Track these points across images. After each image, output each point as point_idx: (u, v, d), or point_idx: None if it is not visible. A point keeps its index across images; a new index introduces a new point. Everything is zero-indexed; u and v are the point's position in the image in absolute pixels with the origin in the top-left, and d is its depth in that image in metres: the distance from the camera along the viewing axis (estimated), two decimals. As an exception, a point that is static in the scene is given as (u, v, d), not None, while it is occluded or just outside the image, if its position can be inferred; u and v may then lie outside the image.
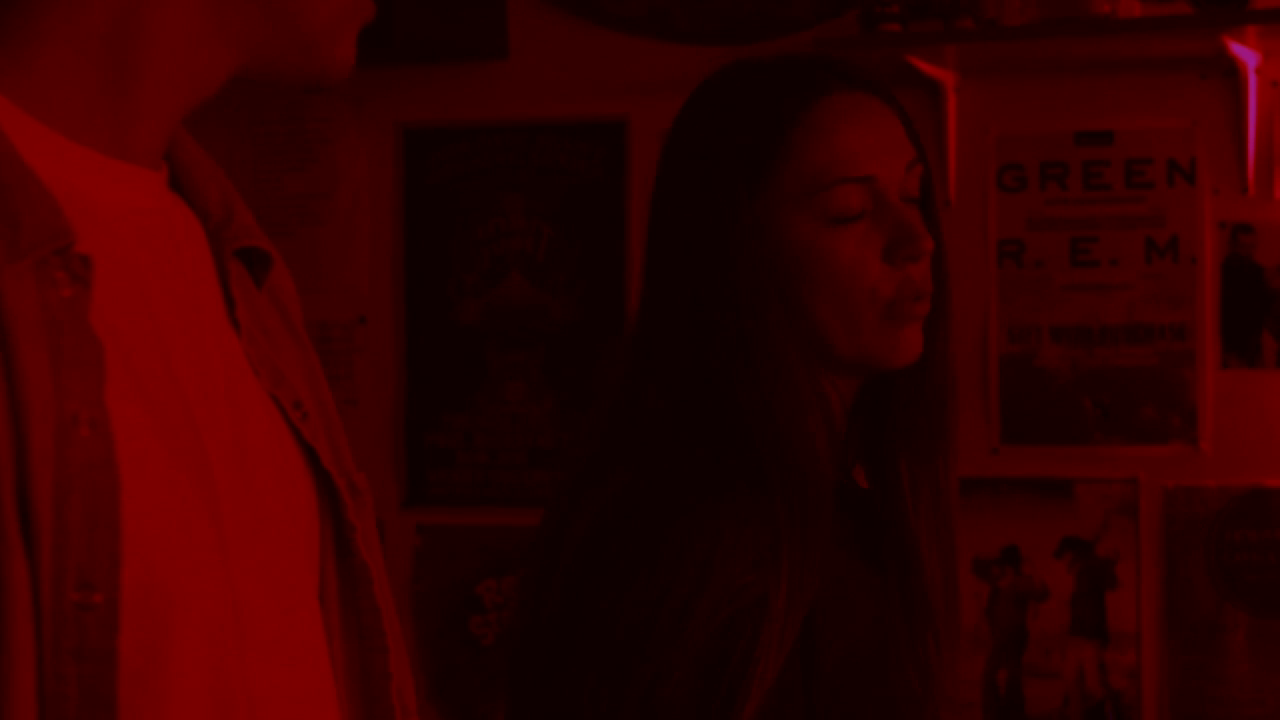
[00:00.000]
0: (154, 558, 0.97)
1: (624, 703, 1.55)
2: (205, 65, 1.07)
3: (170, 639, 0.98)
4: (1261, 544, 3.51)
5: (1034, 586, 3.62)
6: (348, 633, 1.15)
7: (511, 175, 3.91)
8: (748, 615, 1.55)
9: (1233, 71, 3.48)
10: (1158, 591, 3.57)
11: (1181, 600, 3.55)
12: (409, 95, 3.97)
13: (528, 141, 3.90)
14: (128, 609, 0.95)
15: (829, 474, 1.64)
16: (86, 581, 0.94)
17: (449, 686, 3.89)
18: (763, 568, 1.56)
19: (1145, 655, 3.57)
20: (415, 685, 1.19)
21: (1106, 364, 3.59)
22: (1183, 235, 3.56)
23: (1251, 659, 3.51)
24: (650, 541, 1.59)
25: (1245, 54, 3.42)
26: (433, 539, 3.93)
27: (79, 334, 0.95)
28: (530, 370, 3.88)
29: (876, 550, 1.73)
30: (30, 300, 0.93)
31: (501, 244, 3.91)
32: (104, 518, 0.94)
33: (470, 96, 3.94)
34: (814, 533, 1.59)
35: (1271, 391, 3.52)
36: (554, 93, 3.88)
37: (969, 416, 3.65)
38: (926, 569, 1.72)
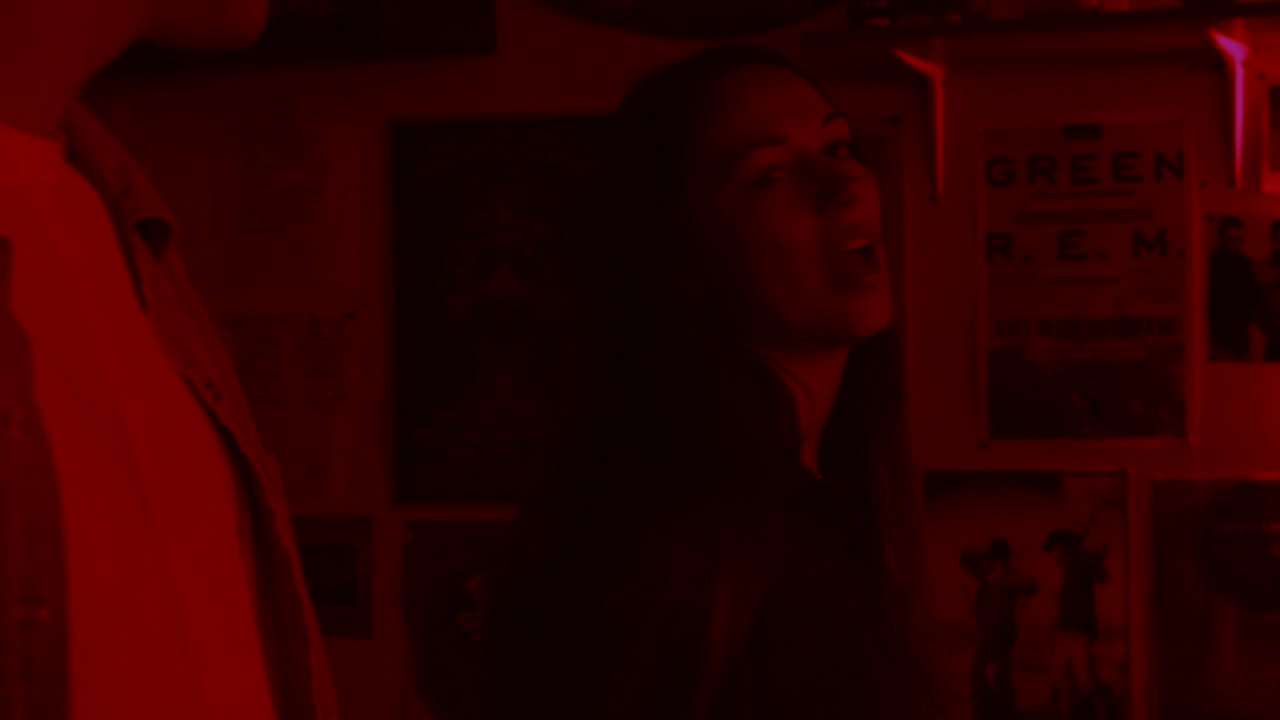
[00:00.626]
0: (98, 567, 0.89)
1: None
2: (107, 23, 0.97)
3: (121, 653, 0.91)
4: (1250, 537, 3.52)
5: (1023, 580, 3.62)
6: (265, 625, 1.07)
7: (500, 170, 3.91)
8: (692, 633, 1.53)
9: (1220, 65, 3.48)
10: (1146, 585, 3.57)
11: (1170, 593, 3.56)
12: (398, 90, 3.97)
13: (517, 136, 3.90)
14: (77, 624, 0.87)
15: (783, 478, 1.62)
16: (31, 596, 0.85)
17: (438, 681, 3.89)
18: (705, 585, 1.54)
19: (1134, 648, 3.57)
20: (326, 687, 1.12)
21: (1095, 357, 3.59)
22: (1170, 228, 3.56)
23: (1240, 651, 3.52)
24: (598, 564, 1.58)
25: (1232, 47, 3.43)
26: (422, 534, 3.93)
27: (1, 325, 0.86)
28: (520, 365, 3.88)
29: (860, 548, 1.71)
30: None
31: (491, 239, 3.91)
32: (45, 526, 0.86)
33: (459, 92, 3.94)
34: (758, 542, 1.56)
35: (1259, 384, 3.52)
36: (543, 88, 3.88)
37: (957, 411, 3.65)
38: (915, 559, 1.72)
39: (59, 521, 0.86)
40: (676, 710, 1.53)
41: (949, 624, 3.65)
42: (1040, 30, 3.42)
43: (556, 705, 1.56)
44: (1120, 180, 3.59)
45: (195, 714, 0.96)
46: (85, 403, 0.92)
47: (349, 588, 3.99)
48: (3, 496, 0.84)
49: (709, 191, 1.65)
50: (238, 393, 1.10)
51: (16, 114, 0.93)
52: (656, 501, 1.58)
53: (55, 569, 0.86)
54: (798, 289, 1.63)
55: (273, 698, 1.06)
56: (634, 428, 1.63)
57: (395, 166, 3.98)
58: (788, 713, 1.58)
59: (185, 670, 0.96)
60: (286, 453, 4.02)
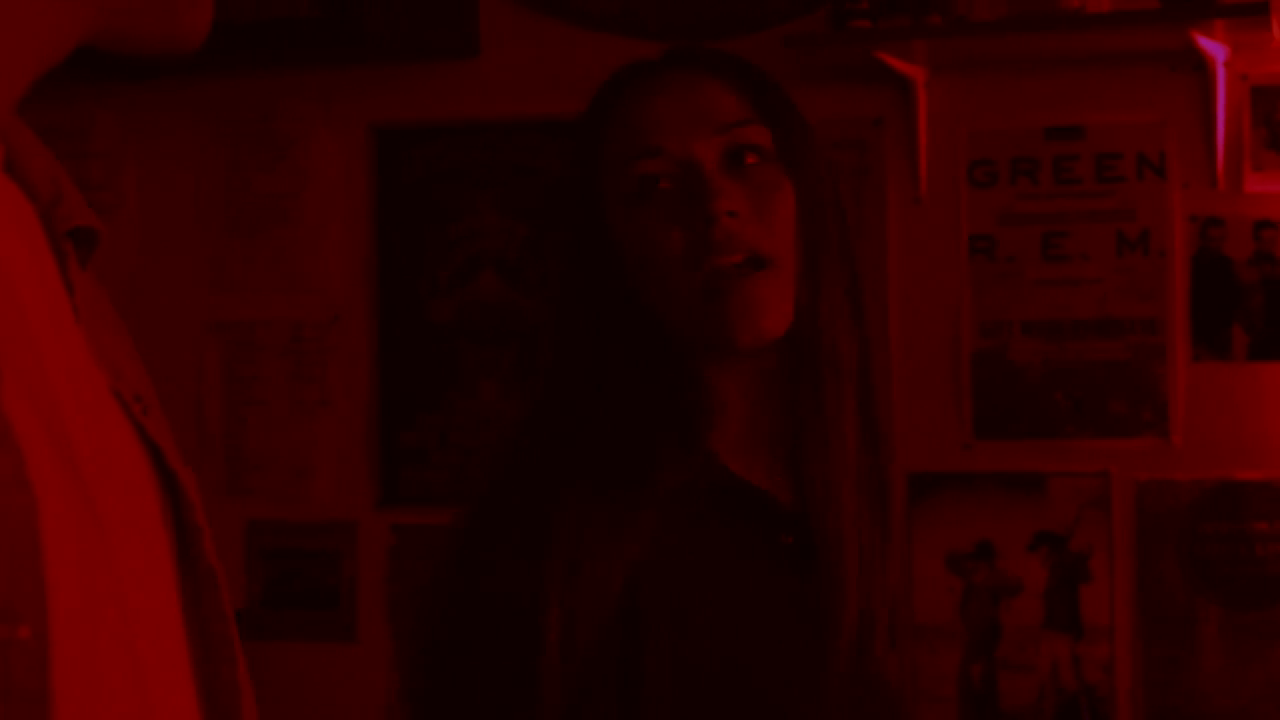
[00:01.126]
0: (72, 582, 0.87)
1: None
2: (50, 29, 0.94)
3: (92, 674, 0.89)
4: (1233, 536, 3.53)
5: (1007, 581, 3.63)
6: (193, 643, 1.04)
7: (483, 174, 3.91)
8: (524, 619, 1.56)
9: (1201, 65, 3.49)
10: (1130, 584, 3.58)
11: (1154, 593, 3.56)
12: (380, 94, 3.97)
13: (500, 140, 3.90)
14: (58, 642, 0.84)
15: (672, 474, 1.62)
16: (10, 613, 0.82)
17: (424, 685, 3.88)
18: (534, 573, 1.57)
19: (1118, 648, 3.58)
20: (251, 706, 1.08)
21: (1078, 358, 3.60)
22: (1153, 229, 3.57)
23: (1224, 651, 3.52)
24: (452, 552, 1.65)
25: (1214, 48, 3.43)
26: (407, 539, 3.93)
27: None
28: (504, 369, 3.88)
29: (793, 552, 1.69)
30: None
31: (474, 243, 3.91)
32: (22, 541, 0.83)
33: (442, 95, 3.94)
34: (626, 533, 1.58)
35: (1242, 384, 3.53)
36: (525, 91, 3.88)
37: (941, 412, 3.66)
38: (845, 569, 1.66)
39: (37, 536, 0.84)
40: (526, 692, 1.55)
41: (934, 625, 3.66)
42: (1022, 31, 3.42)
43: (413, 692, 1.62)
44: (1102, 181, 3.59)
45: None
46: (43, 415, 0.89)
47: (334, 592, 3.99)
48: None
49: (607, 202, 1.67)
50: (159, 407, 1.07)
51: None
52: (535, 492, 1.61)
53: (34, 585, 0.83)
54: (673, 299, 1.63)
55: (202, 717, 1.04)
56: (550, 428, 1.66)
57: (378, 170, 3.98)
58: (658, 706, 1.59)
59: (139, 693, 0.94)
60: (271, 457, 4.02)
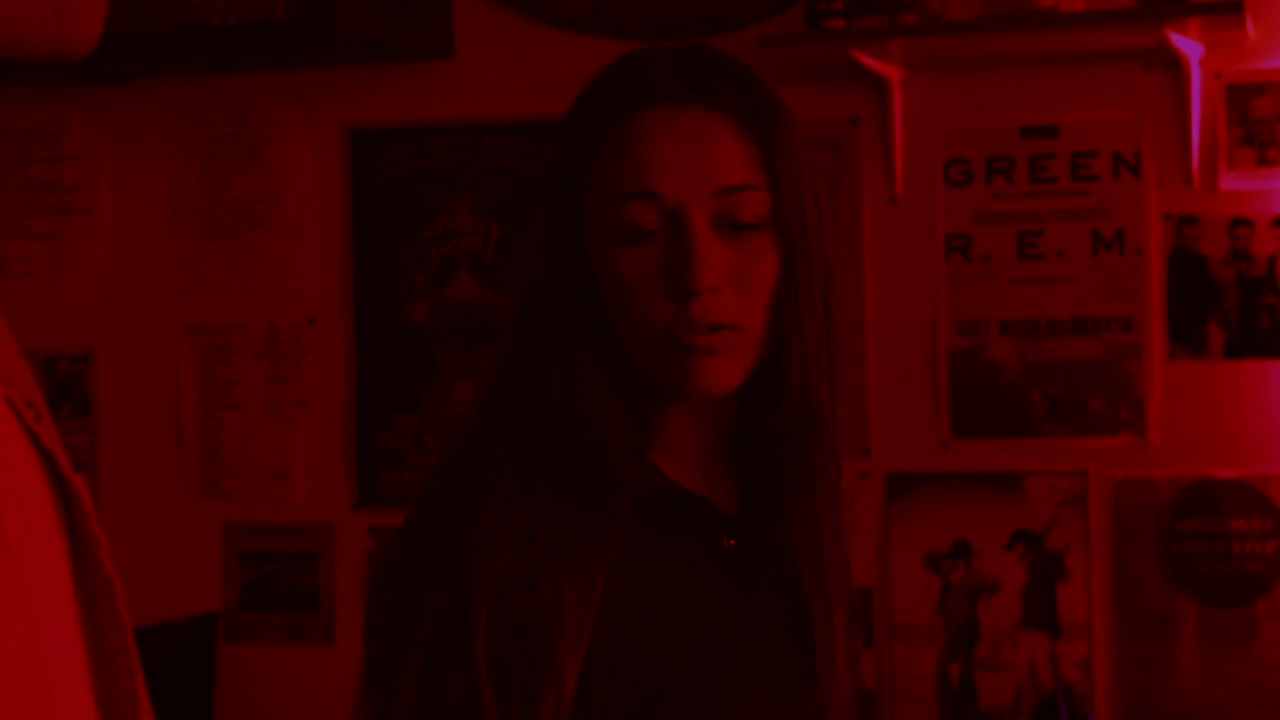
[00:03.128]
0: None
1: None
2: None
3: (4, 679, 0.90)
4: (1210, 534, 3.53)
5: (985, 579, 3.63)
6: (90, 653, 1.03)
7: (458, 175, 3.91)
8: (524, 632, 1.54)
9: (1176, 64, 3.50)
10: (1108, 583, 3.58)
11: (1132, 591, 3.57)
12: (354, 96, 3.96)
13: (474, 141, 3.90)
14: None
15: (631, 486, 1.62)
16: None
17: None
18: (537, 587, 1.55)
19: (1096, 646, 3.58)
20: (149, 716, 1.07)
21: (1054, 357, 3.60)
22: (1128, 228, 3.57)
23: (1201, 649, 3.53)
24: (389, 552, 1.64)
25: (1188, 46, 3.44)
26: (384, 540, 3.92)
27: None
28: (480, 370, 3.88)
29: (743, 565, 1.69)
30: None
31: (449, 244, 3.90)
32: None
33: (416, 97, 3.93)
34: (602, 540, 1.58)
35: (1218, 382, 3.53)
36: (500, 92, 3.88)
37: (918, 411, 3.66)
38: (805, 587, 1.68)
39: None
40: (526, 697, 1.54)
41: (912, 624, 3.66)
42: (997, 30, 3.43)
43: (363, 690, 1.60)
44: (1078, 180, 3.60)
45: None
46: None
47: (311, 594, 3.98)
48: None
49: (591, 230, 1.62)
50: (50, 414, 1.05)
51: None
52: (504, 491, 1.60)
53: None
54: (644, 351, 1.61)
55: None
56: (517, 431, 1.65)
57: (353, 172, 3.97)
58: (612, 710, 1.59)
59: (45, 700, 0.94)
60: (247, 460, 4.01)
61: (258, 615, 4.01)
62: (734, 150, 1.61)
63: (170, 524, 4.05)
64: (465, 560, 1.56)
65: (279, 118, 4.01)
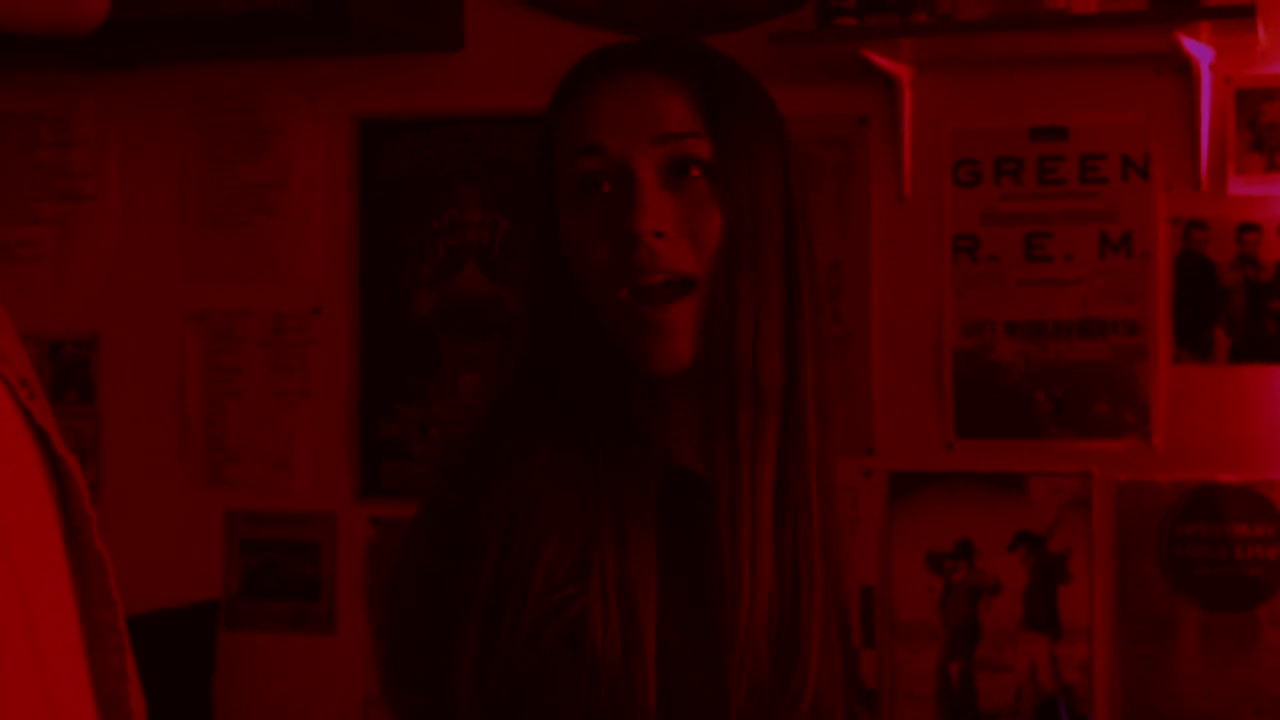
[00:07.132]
0: None
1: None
2: None
3: (6, 668, 0.90)
4: (1212, 538, 3.53)
5: (987, 580, 3.63)
6: (83, 629, 1.04)
7: (467, 166, 3.90)
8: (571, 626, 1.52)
9: (1186, 68, 3.49)
10: (1110, 585, 3.58)
11: (1133, 594, 3.57)
12: (364, 86, 3.96)
13: (483, 133, 3.89)
14: None
15: (602, 441, 1.60)
16: None
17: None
18: (586, 576, 1.53)
19: (1097, 649, 3.58)
20: (137, 694, 1.07)
21: (1060, 359, 3.60)
22: (1136, 231, 3.57)
23: (1202, 652, 3.53)
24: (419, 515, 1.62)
25: (1199, 50, 3.44)
26: (387, 531, 3.92)
27: None
28: (485, 362, 3.88)
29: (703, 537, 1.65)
30: None
31: (457, 235, 3.90)
32: None
33: (426, 88, 3.93)
34: (634, 533, 1.56)
35: (1223, 387, 3.53)
36: (509, 84, 3.88)
37: (923, 411, 3.66)
38: (745, 570, 1.60)
39: None
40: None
41: (913, 623, 3.66)
42: (1008, 31, 3.42)
43: (390, 673, 1.59)
44: (1086, 182, 3.60)
45: None
46: None
47: (313, 584, 3.98)
48: None
49: (562, 195, 1.64)
50: (44, 393, 1.05)
51: None
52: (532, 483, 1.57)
53: None
54: (604, 314, 1.61)
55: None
56: (509, 409, 1.65)
57: (361, 162, 3.97)
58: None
59: (39, 675, 0.94)
60: (251, 448, 4.01)
61: (259, 603, 4.01)
62: (677, 102, 1.62)
63: (173, 510, 4.05)
64: (507, 546, 1.52)
65: (288, 106, 4.00)
